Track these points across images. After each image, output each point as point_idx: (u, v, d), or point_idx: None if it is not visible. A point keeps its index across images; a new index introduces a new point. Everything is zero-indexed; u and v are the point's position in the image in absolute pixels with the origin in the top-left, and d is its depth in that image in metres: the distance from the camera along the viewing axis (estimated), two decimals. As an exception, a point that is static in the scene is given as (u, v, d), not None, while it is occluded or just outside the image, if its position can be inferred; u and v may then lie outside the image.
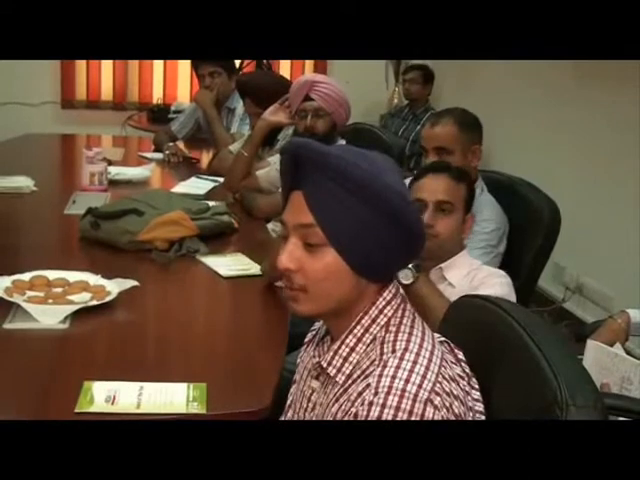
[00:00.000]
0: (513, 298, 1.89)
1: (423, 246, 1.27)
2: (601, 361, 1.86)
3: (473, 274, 1.97)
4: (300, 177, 1.19)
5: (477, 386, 1.25)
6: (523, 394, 1.18)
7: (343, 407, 1.17)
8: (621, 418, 1.54)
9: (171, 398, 1.44)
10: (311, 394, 1.30)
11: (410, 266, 1.91)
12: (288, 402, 1.43)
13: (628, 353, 1.92)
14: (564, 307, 3.99)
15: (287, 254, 1.20)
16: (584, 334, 2.03)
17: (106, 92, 5.75)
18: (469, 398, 1.21)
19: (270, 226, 2.88)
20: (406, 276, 1.91)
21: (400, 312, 1.23)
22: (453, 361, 1.24)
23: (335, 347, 1.23)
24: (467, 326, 1.40)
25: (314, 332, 1.38)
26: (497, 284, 1.91)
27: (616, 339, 1.94)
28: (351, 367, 1.21)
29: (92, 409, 1.39)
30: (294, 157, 1.20)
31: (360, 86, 4.89)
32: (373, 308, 1.22)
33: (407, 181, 2.61)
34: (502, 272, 1.98)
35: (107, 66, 5.68)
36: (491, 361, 1.27)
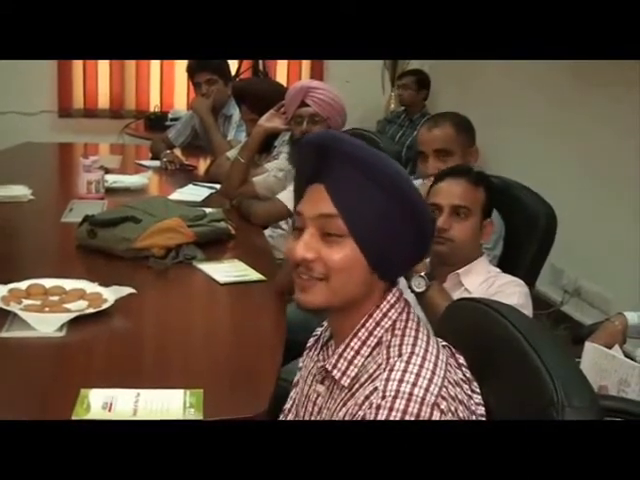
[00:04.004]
0: (530, 308, 1.87)
1: (430, 248, 1.29)
2: (599, 363, 1.86)
3: (491, 281, 1.94)
4: (322, 169, 1.19)
5: (478, 390, 1.25)
6: (520, 396, 1.18)
7: (350, 411, 1.16)
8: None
9: (168, 405, 1.44)
10: (317, 398, 1.29)
11: (422, 274, 1.91)
12: (287, 405, 1.43)
13: (627, 356, 1.92)
14: (562, 310, 3.99)
15: (304, 244, 1.19)
16: (582, 336, 2.04)
17: (103, 100, 5.75)
18: (472, 402, 1.21)
19: (267, 232, 2.88)
20: (419, 284, 1.91)
21: (405, 315, 1.23)
22: (455, 365, 1.24)
23: (340, 350, 1.23)
24: (464, 329, 1.40)
25: (316, 337, 1.38)
26: (515, 293, 1.88)
27: (613, 342, 1.94)
28: (356, 370, 1.21)
29: (88, 416, 1.39)
30: (319, 148, 1.20)
31: (356, 92, 4.90)
32: (377, 311, 1.22)
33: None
34: (520, 281, 1.94)
35: (104, 74, 5.69)
36: (487, 364, 1.27)
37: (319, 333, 1.37)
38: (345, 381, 1.21)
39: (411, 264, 1.30)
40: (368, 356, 1.21)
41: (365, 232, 1.18)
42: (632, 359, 1.91)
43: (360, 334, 1.22)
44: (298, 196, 1.25)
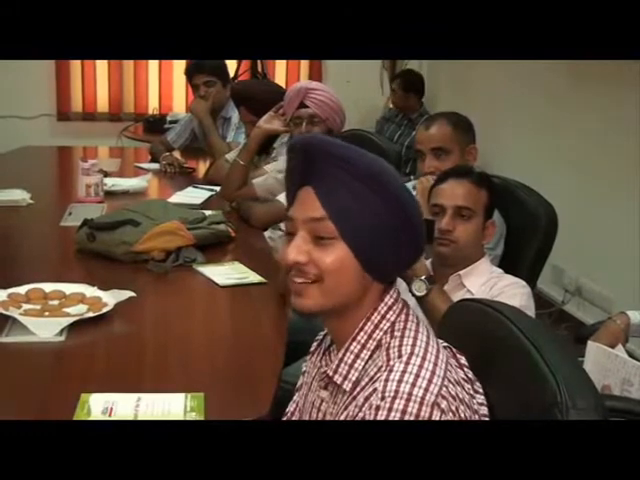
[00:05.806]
0: (532, 310, 1.86)
1: (424, 248, 1.28)
2: (602, 363, 1.85)
3: (493, 282, 1.94)
4: (310, 172, 1.19)
5: (481, 390, 1.24)
6: (523, 397, 1.17)
7: (351, 413, 1.16)
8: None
9: (168, 408, 1.43)
10: (320, 404, 1.29)
11: (423, 278, 1.90)
12: (290, 409, 1.42)
13: (630, 355, 1.91)
14: (564, 309, 3.98)
15: (295, 247, 1.19)
16: (584, 336, 2.03)
17: (102, 103, 5.74)
18: (474, 401, 1.21)
19: (267, 234, 2.88)
20: (419, 288, 1.90)
21: (404, 316, 1.22)
22: (456, 365, 1.23)
23: (340, 355, 1.23)
24: (466, 330, 1.40)
25: (318, 341, 1.37)
26: (517, 295, 1.87)
27: (615, 341, 1.93)
28: (357, 374, 1.20)
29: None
30: (306, 151, 1.20)
31: (355, 93, 4.89)
32: (375, 314, 1.22)
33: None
34: (523, 282, 1.94)
35: (102, 78, 5.68)
36: (490, 365, 1.26)
37: (321, 338, 1.37)
38: (347, 386, 1.21)
39: (406, 265, 1.29)
40: (368, 359, 1.20)
41: (355, 233, 1.18)
42: (635, 358, 1.90)
43: (359, 337, 1.21)
44: (290, 200, 1.25)
